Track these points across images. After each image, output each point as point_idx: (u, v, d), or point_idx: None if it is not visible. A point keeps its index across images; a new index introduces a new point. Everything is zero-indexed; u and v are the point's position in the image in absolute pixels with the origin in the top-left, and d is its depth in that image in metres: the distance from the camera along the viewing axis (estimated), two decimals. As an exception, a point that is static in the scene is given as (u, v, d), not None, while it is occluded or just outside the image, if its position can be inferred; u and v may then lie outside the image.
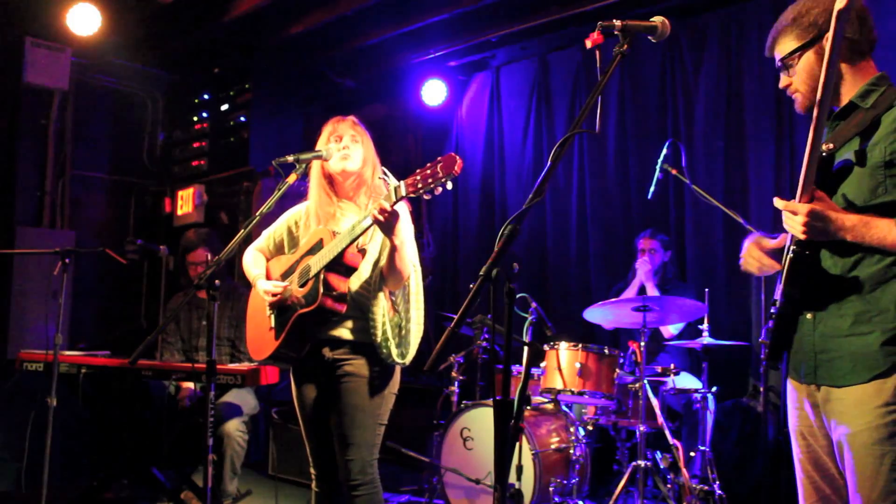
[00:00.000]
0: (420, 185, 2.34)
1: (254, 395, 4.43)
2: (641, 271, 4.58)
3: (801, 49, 1.94)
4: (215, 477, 4.03)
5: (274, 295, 2.72)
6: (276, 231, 2.96)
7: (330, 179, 2.83)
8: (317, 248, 2.67)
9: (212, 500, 2.97)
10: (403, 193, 2.40)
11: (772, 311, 2.02)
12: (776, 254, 2.09)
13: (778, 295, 1.99)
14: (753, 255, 2.11)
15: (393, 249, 2.58)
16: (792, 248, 1.88)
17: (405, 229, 2.69)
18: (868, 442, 1.82)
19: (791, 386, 2.08)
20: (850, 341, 1.87)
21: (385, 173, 2.68)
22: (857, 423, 1.84)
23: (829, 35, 1.75)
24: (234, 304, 4.45)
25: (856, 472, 1.84)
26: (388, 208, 2.43)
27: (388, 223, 2.46)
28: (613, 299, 4.13)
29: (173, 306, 4.72)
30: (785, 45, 1.98)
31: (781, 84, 2.00)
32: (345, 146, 2.78)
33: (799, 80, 1.96)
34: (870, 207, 1.85)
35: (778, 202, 1.85)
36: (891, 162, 1.84)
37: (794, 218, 1.80)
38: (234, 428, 4.12)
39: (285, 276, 2.80)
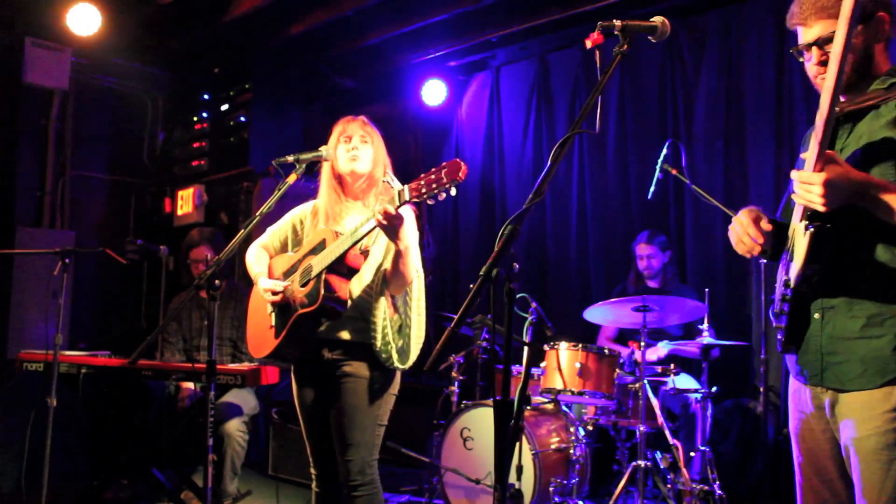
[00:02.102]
0: (424, 191, 2.31)
1: (254, 395, 4.43)
2: None
3: (852, 27, 1.80)
4: (215, 477, 4.03)
5: (275, 294, 2.72)
6: (280, 229, 2.95)
7: (339, 179, 2.82)
8: (319, 248, 2.66)
9: (212, 500, 2.98)
10: (407, 198, 2.36)
11: (786, 294, 1.91)
12: (771, 248, 1.98)
13: (790, 276, 1.88)
14: (742, 222, 1.97)
15: (398, 254, 2.56)
16: (809, 224, 1.78)
17: (410, 234, 2.68)
18: (875, 447, 1.78)
19: (796, 387, 2.03)
20: (861, 344, 1.81)
21: (390, 177, 2.67)
22: (864, 428, 1.80)
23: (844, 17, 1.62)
24: (236, 304, 4.45)
25: (862, 477, 1.81)
26: (393, 212, 2.40)
27: (391, 227, 2.44)
28: (613, 299, 4.12)
29: (175, 306, 4.73)
30: (831, 22, 1.82)
31: (816, 60, 1.87)
32: (353, 147, 2.76)
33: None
34: None
35: (794, 174, 1.75)
36: None
37: (811, 188, 1.69)
38: (235, 428, 4.12)
39: (287, 274, 2.79)
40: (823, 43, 1.85)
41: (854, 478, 1.84)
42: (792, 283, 1.89)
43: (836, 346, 1.86)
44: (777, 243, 2.00)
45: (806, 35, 1.90)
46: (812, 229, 1.76)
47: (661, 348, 4.30)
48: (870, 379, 1.80)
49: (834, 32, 1.71)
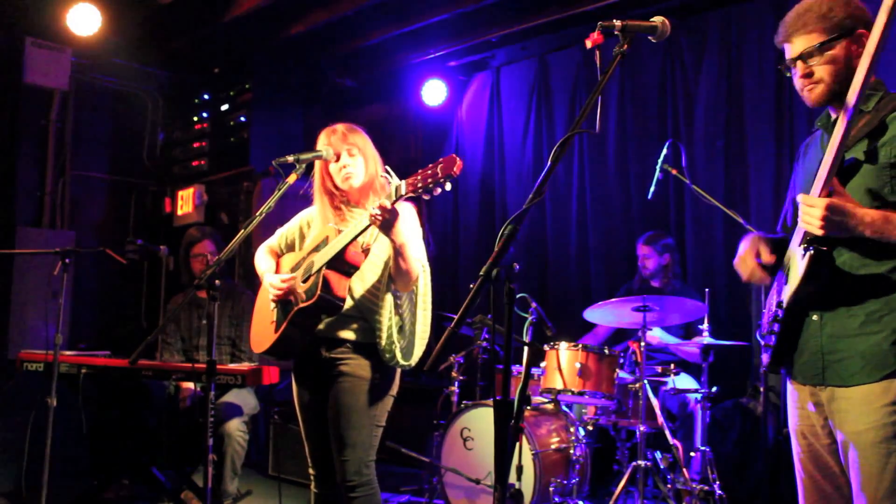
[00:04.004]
0: (420, 185, 2.34)
1: (254, 394, 4.43)
2: None
3: (832, 41, 1.92)
4: (215, 477, 4.03)
5: (278, 289, 2.72)
6: (288, 230, 2.98)
7: (332, 195, 2.82)
8: (322, 245, 2.69)
9: (212, 500, 2.98)
10: (403, 193, 2.40)
11: (777, 314, 1.98)
12: (770, 268, 2.08)
13: (783, 297, 1.96)
14: (747, 264, 2.11)
15: (396, 252, 2.57)
16: (807, 246, 1.86)
17: (409, 228, 2.68)
18: (874, 441, 1.82)
19: (792, 387, 2.07)
20: (860, 340, 1.86)
21: (388, 172, 2.68)
22: (863, 422, 1.84)
23: (879, 27, 1.72)
24: (234, 303, 4.45)
25: (861, 470, 1.84)
26: (388, 205, 2.42)
27: (386, 222, 2.45)
28: (614, 299, 4.12)
29: (173, 307, 4.72)
30: (812, 37, 1.95)
31: (801, 72, 1.97)
32: (343, 165, 2.75)
33: (825, 71, 1.94)
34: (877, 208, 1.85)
35: (799, 197, 1.84)
36: None
37: (811, 212, 1.78)
38: (235, 428, 4.12)
39: (293, 271, 2.82)
40: (807, 57, 1.96)
41: (851, 472, 1.88)
42: (785, 304, 1.96)
43: (836, 344, 1.90)
44: (777, 262, 2.09)
45: (790, 51, 2.00)
46: (812, 251, 1.84)
47: (656, 334, 4.29)
48: (869, 373, 1.85)
49: (813, 46, 1.92)
